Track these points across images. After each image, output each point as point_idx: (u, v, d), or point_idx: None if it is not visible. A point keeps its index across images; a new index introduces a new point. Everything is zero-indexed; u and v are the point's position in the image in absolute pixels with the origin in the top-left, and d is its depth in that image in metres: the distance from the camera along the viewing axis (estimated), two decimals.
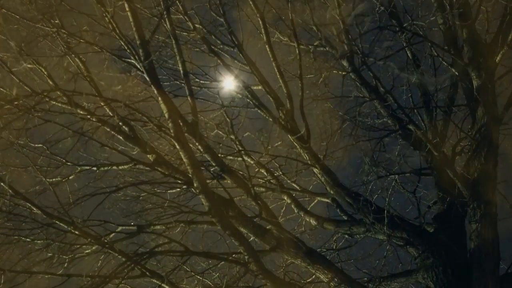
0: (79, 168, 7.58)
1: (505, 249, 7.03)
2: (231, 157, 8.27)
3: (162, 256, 7.32)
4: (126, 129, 7.40)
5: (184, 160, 6.65)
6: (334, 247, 8.78)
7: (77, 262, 7.07)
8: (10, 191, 6.58)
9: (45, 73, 6.97)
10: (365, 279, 8.03)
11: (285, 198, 8.46)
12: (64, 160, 7.47)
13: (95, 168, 7.60)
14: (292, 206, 8.45)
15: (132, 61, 6.72)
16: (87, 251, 7.10)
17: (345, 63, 8.33)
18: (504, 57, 7.32)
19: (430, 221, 7.87)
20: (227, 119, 7.73)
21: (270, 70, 7.99)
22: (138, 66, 6.66)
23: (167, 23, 6.54)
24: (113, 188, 7.38)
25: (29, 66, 6.80)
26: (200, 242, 7.67)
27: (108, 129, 7.34)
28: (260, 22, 7.77)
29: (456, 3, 7.09)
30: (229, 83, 8.13)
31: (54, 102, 6.99)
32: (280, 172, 8.64)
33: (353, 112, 8.19)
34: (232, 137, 7.85)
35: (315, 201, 8.77)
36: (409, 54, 8.19)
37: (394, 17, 7.93)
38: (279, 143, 8.57)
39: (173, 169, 7.48)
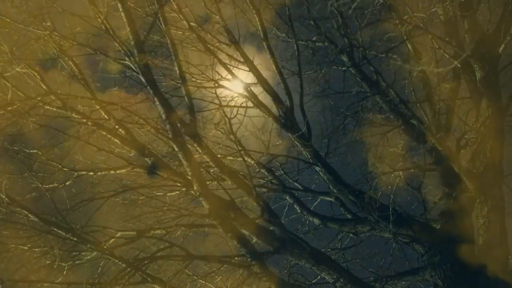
0: (75, 173, 7.50)
1: None
2: (231, 158, 8.16)
3: (163, 260, 7.22)
4: (123, 132, 7.29)
5: (183, 162, 6.55)
6: (339, 247, 8.70)
7: (77, 269, 7.02)
8: (6, 198, 6.51)
9: (38, 77, 6.85)
10: (372, 278, 7.95)
11: (287, 198, 8.36)
12: (60, 166, 7.39)
13: (92, 173, 7.49)
14: (295, 206, 8.34)
15: (127, 62, 6.60)
16: (86, 258, 7.04)
17: (344, 58, 8.22)
18: (507, 48, 7.20)
19: (436, 217, 7.76)
20: (226, 118, 7.59)
21: (268, 67, 7.87)
22: (133, 67, 6.54)
23: (162, 22, 6.42)
24: (111, 193, 7.35)
25: (22, 70, 6.68)
26: (202, 245, 7.59)
27: (105, 133, 7.23)
28: (257, 18, 7.64)
29: None
30: (226, 82, 8.00)
31: (48, 107, 6.88)
32: (282, 172, 8.53)
33: (355, 108, 8.09)
34: (232, 137, 7.71)
35: (318, 200, 8.66)
36: (410, 47, 8.05)
37: (394, 9, 7.78)
38: (279, 142, 8.45)
39: (172, 172, 7.36)
